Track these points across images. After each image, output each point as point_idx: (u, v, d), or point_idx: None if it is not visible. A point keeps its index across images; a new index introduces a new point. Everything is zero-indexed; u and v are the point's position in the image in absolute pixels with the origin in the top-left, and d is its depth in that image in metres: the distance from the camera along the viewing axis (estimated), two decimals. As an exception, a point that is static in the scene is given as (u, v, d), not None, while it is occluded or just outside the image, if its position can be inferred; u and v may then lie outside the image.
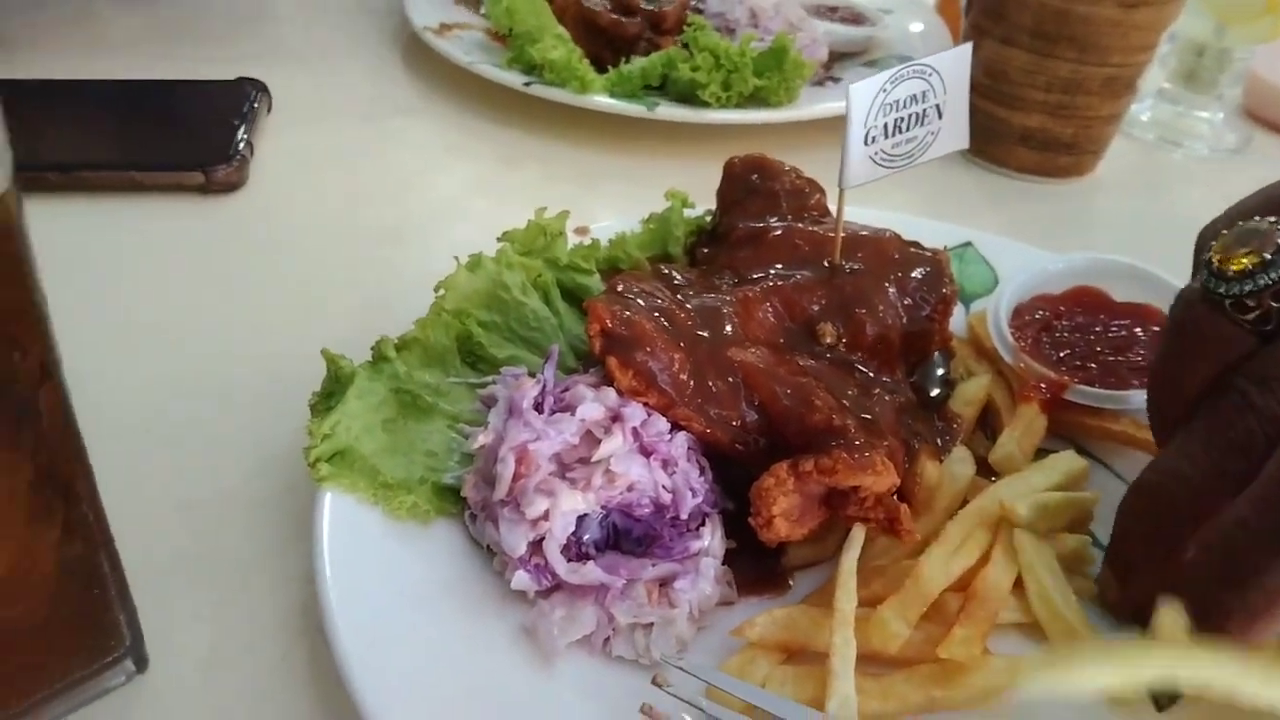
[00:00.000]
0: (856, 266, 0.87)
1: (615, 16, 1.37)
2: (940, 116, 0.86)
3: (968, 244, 1.05)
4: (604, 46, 1.34)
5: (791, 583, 0.76)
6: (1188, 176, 1.40)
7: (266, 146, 1.22)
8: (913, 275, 0.88)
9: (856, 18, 1.57)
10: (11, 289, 0.51)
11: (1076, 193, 1.31)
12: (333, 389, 0.76)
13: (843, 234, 0.90)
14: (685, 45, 1.26)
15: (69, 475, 0.57)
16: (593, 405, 0.73)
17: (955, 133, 0.88)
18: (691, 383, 0.76)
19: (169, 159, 1.12)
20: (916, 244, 0.92)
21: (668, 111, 1.25)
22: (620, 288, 0.81)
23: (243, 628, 0.71)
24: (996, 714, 0.67)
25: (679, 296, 0.82)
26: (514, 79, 1.28)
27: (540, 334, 0.87)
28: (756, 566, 0.76)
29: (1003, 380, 0.92)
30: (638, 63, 1.27)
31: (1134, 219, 1.30)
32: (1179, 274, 1.12)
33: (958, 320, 0.97)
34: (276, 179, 1.17)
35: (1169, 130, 1.44)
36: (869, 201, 1.06)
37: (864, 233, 0.91)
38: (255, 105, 1.22)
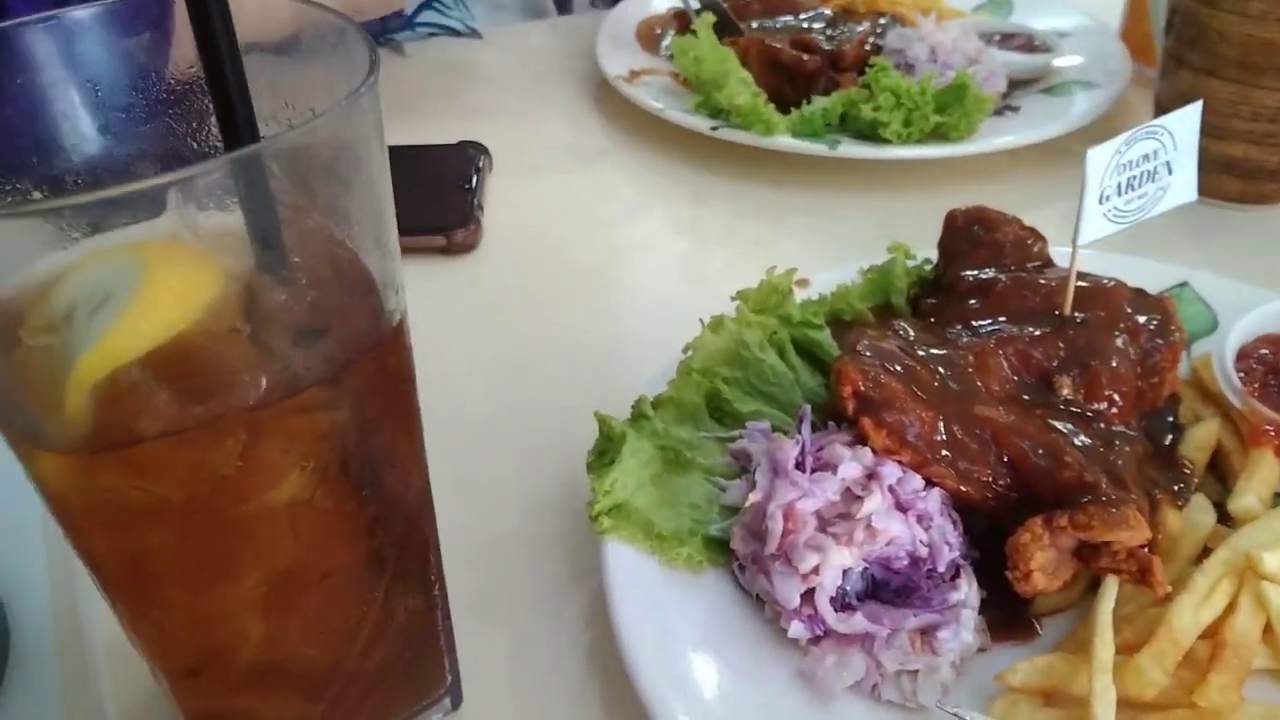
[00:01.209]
0: (1087, 317, 0.91)
1: (796, 54, 1.42)
2: (1170, 173, 0.89)
3: (1184, 284, 1.07)
4: (785, 84, 1.40)
5: (1040, 629, 0.80)
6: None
7: (491, 205, 1.32)
8: (1143, 324, 0.91)
9: (1032, 44, 1.58)
10: (398, 388, 0.60)
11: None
12: (605, 447, 0.84)
13: (1078, 283, 0.94)
14: (866, 85, 1.31)
15: (425, 541, 0.66)
16: (851, 464, 0.78)
17: (1184, 186, 0.90)
18: (942, 440, 0.81)
19: (413, 223, 1.22)
20: (1143, 291, 0.95)
21: (849, 150, 1.30)
22: (860, 347, 0.86)
23: (538, 667, 0.79)
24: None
25: (918, 352, 0.87)
26: (702, 123, 1.35)
27: (779, 388, 0.93)
28: (1006, 613, 0.80)
29: (1230, 424, 0.93)
30: (819, 103, 1.33)
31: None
32: None
33: (1180, 363, 1.00)
34: (505, 237, 1.27)
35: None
36: (1050, 233, 1.09)
37: (1093, 282, 0.94)
38: (481, 168, 1.32)
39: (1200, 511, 0.84)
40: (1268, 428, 0.89)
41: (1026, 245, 0.99)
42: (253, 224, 0.55)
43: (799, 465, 0.79)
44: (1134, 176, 0.87)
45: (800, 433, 0.81)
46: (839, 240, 1.26)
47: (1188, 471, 0.89)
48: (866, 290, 1.03)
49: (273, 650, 0.63)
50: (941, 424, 0.81)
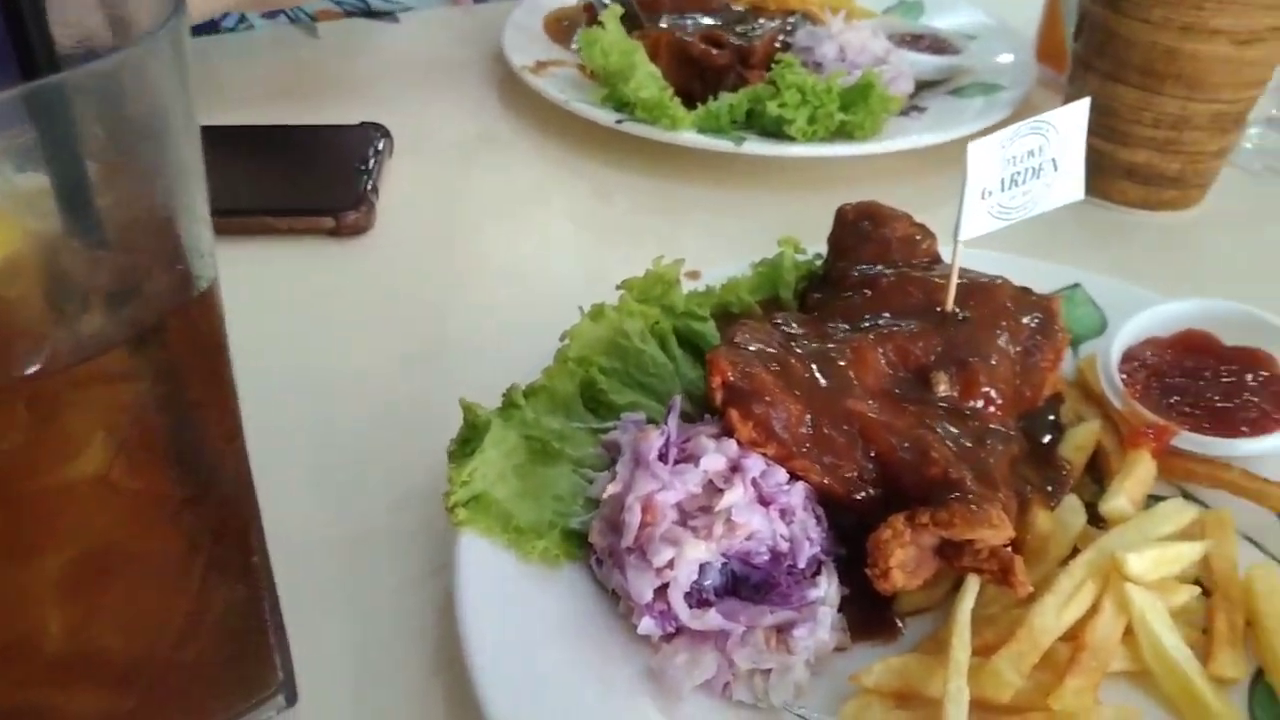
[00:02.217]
0: (969, 314, 0.89)
1: (706, 48, 1.40)
2: (1056, 169, 0.88)
3: (1076, 285, 1.06)
4: (694, 79, 1.38)
5: (903, 628, 0.78)
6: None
7: (389, 188, 1.28)
8: (1025, 323, 0.90)
9: (941, 46, 1.58)
10: (208, 360, 0.56)
11: (1182, 225, 1.31)
12: (469, 436, 0.81)
13: (961, 280, 0.93)
14: (773, 82, 1.29)
15: (245, 527, 0.63)
16: (715, 456, 0.76)
17: (1070, 184, 0.89)
18: (809, 434, 0.79)
19: (301, 204, 1.18)
20: (1028, 290, 0.94)
21: (754, 147, 1.28)
22: (738, 339, 0.84)
23: (385, 661, 0.76)
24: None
25: (795, 346, 0.85)
26: (607, 116, 1.33)
27: (658, 380, 0.91)
28: (868, 612, 0.78)
29: (1111, 425, 0.93)
30: (725, 100, 1.31)
31: (1242, 252, 1.29)
32: None
33: (1065, 363, 0.99)
34: (399, 222, 1.23)
35: (1277, 159, 1.42)
36: (974, 242, 1.08)
37: (976, 280, 0.93)
38: (379, 149, 1.28)
39: (1071, 512, 0.83)
40: (1146, 430, 0.89)
41: (915, 242, 0.98)
42: (51, 172, 0.51)
43: (662, 456, 0.77)
44: (1018, 172, 0.86)
45: (666, 423, 0.79)
46: (741, 237, 1.24)
47: (1064, 472, 0.88)
48: (756, 284, 1.02)
49: (75, 640, 0.59)
50: (810, 417, 0.79)
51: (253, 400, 0.96)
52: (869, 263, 0.96)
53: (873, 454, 0.79)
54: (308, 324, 1.09)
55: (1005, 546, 0.74)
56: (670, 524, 0.73)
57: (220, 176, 1.25)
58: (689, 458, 0.77)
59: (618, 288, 0.95)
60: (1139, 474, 0.85)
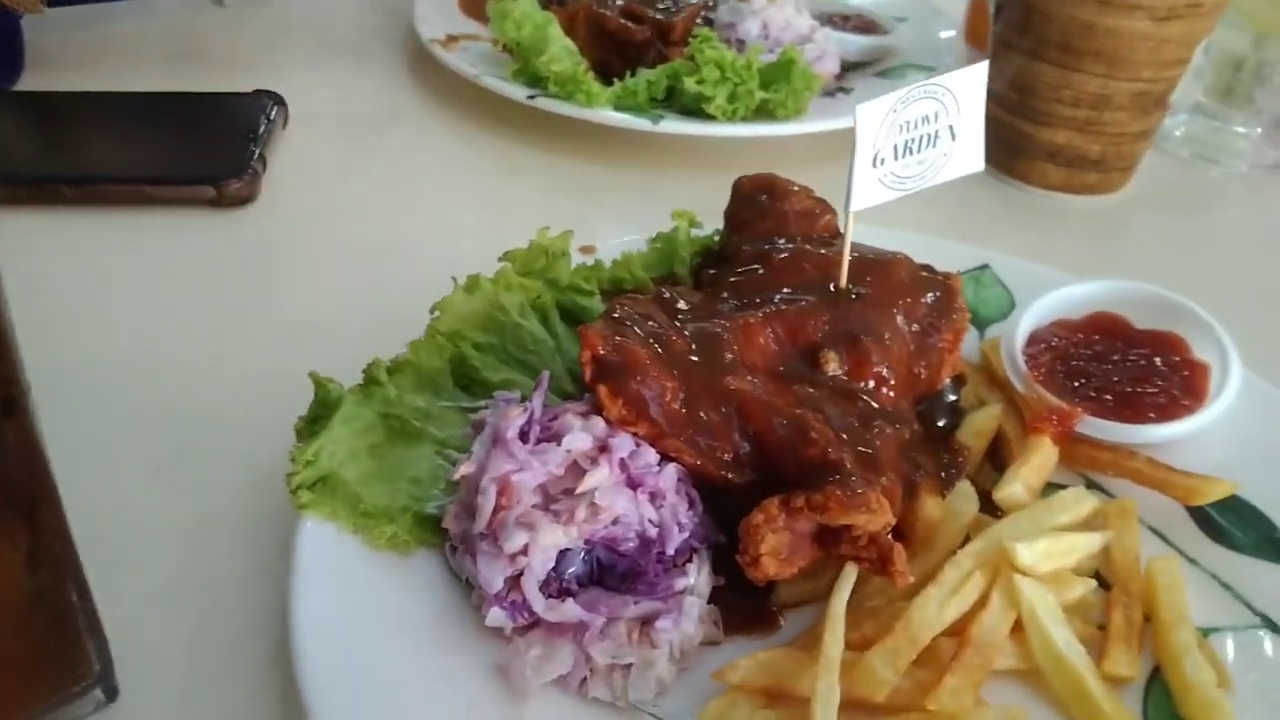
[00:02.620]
0: (864, 291, 0.85)
1: (623, 22, 1.35)
2: (954, 138, 0.83)
3: (985, 266, 1.02)
4: (612, 54, 1.32)
5: (783, 622, 0.73)
6: (1224, 194, 1.35)
7: (281, 160, 1.22)
8: (922, 301, 0.86)
9: (869, 26, 1.54)
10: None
11: (1106, 210, 1.27)
12: (320, 413, 0.75)
13: (852, 256, 0.88)
14: (691, 57, 1.24)
15: (34, 506, 0.57)
16: (580, 435, 0.71)
17: (969, 155, 0.85)
18: (684, 413, 0.74)
19: (181, 172, 1.12)
20: (929, 268, 0.90)
21: (672, 125, 1.23)
22: (617, 313, 0.79)
23: (219, 657, 0.70)
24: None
25: (678, 321, 0.80)
26: (518, 92, 1.27)
27: (537, 357, 0.85)
28: (746, 604, 0.73)
29: (1014, 410, 0.88)
30: (643, 75, 1.26)
31: (1167, 238, 1.26)
32: (1213, 297, 1.08)
33: (971, 346, 0.95)
34: (287, 194, 1.17)
35: (1204, 146, 1.39)
36: (885, 221, 1.03)
37: (874, 256, 0.88)
38: (271, 118, 1.22)
39: (963, 499, 0.78)
40: (1049, 415, 0.84)
41: (814, 216, 0.93)
42: None
43: (524, 435, 0.71)
44: (913, 140, 0.81)
45: (531, 401, 0.73)
46: (656, 220, 1.18)
47: (961, 458, 0.84)
48: (652, 259, 0.96)
49: None
50: (685, 395, 0.74)
51: (98, 381, 0.91)
52: (765, 237, 0.91)
53: (751, 434, 0.74)
54: (175, 299, 1.02)
55: (886, 533, 0.69)
56: (527, 507, 0.68)
57: (102, 144, 1.20)
58: (554, 437, 0.71)
59: (499, 259, 0.89)
60: (1037, 460, 0.81)
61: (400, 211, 1.19)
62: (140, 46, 1.45)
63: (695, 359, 0.76)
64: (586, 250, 0.98)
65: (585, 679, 0.66)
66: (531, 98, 1.25)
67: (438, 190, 1.24)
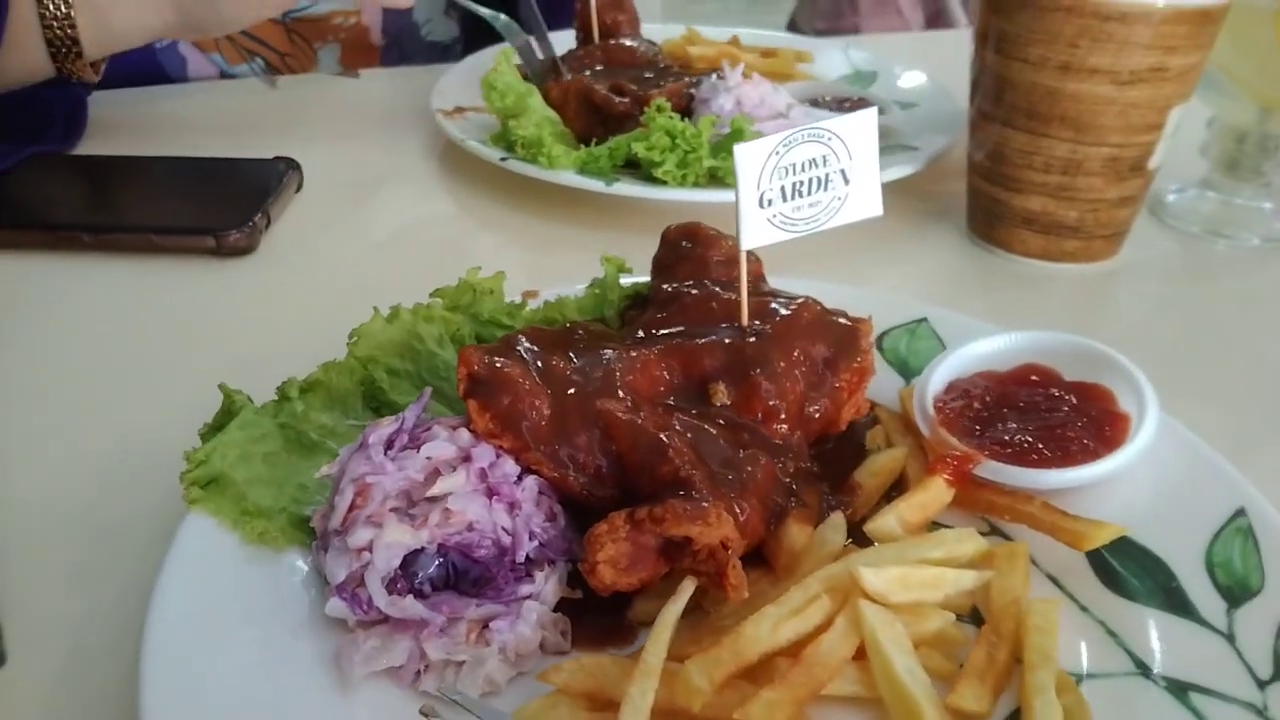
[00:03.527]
0: (764, 330, 0.87)
1: (607, 94, 1.42)
2: (847, 182, 0.85)
3: (923, 319, 1.02)
4: (598, 125, 1.39)
5: (638, 638, 0.74)
6: (1225, 267, 1.32)
7: (288, 218, 1.32)
8: (822, 342, 0.87)
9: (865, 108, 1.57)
10: None
11: (1092, 279, 1.26)
12: (223, 421, 0.81)
13: (762, 299, 0.90)
14: (644, 125, 1.29)
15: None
16: (443, 445, 0.75)
17: (866, 199, 0.87)
18: (551, 430, 0.77)
19: (188, 224, 1.22)
20: (841, 313, 0.91)
21: (624, 188, 1.28)
22: (510, 339, 0.83)
23: (104, 639, 0.75)
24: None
25: (573, 353, 0.84)
26: (493, 154, 1.35)
27: (449, 384, 0.90)
28: (602, 620, 0.75)
29: (921, 454, 0.88)
30: (610, 142, 1.32)
31: (1155, 308, 1.24)
32: (1212, 367, 1.06)
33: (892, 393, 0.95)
34: (288, 248, 1.26)
35: (1212, 221, 1.36)
36: (851, 279, 1.05)
37: (782, 299, 0.90)
38: (284, 180, 1.32)
39: (832, 530, 0.78)
40: (948, 457, 0.84)
41: (735, 263, 0.95)
42: None
43: (391, 443, 0.75)
44: (801, 182, 0.84)
45: (406, 411, 0.77)
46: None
47: (851, 496, 0.84)
48: (587, 303, 1.00)
49: None
50: (555, 414, 0.77)
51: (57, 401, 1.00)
52: (683, 280, 0.94)
53: (614, 453, 0.77)
54: (168, 336, 1.11)
55: (726, 549, 0.70)
56: (377, 507, 0.71)
57: (121, 201, 1.32)
58: (420, 446, 0.75)
59: (430, 295, 0.95)
60: (921, 498, 0.81)
61: (387, 263, 1.27)
62: (189, 120, 1.60)
63: (574, 383, 0.80)
64: (529, 295, 1.03)
65: (419, 673, 0.69)
66: (503, 159, 1.33)
67: (412, 243, 1.33)
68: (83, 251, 1.21)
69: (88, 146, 1.48)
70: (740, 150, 0.80)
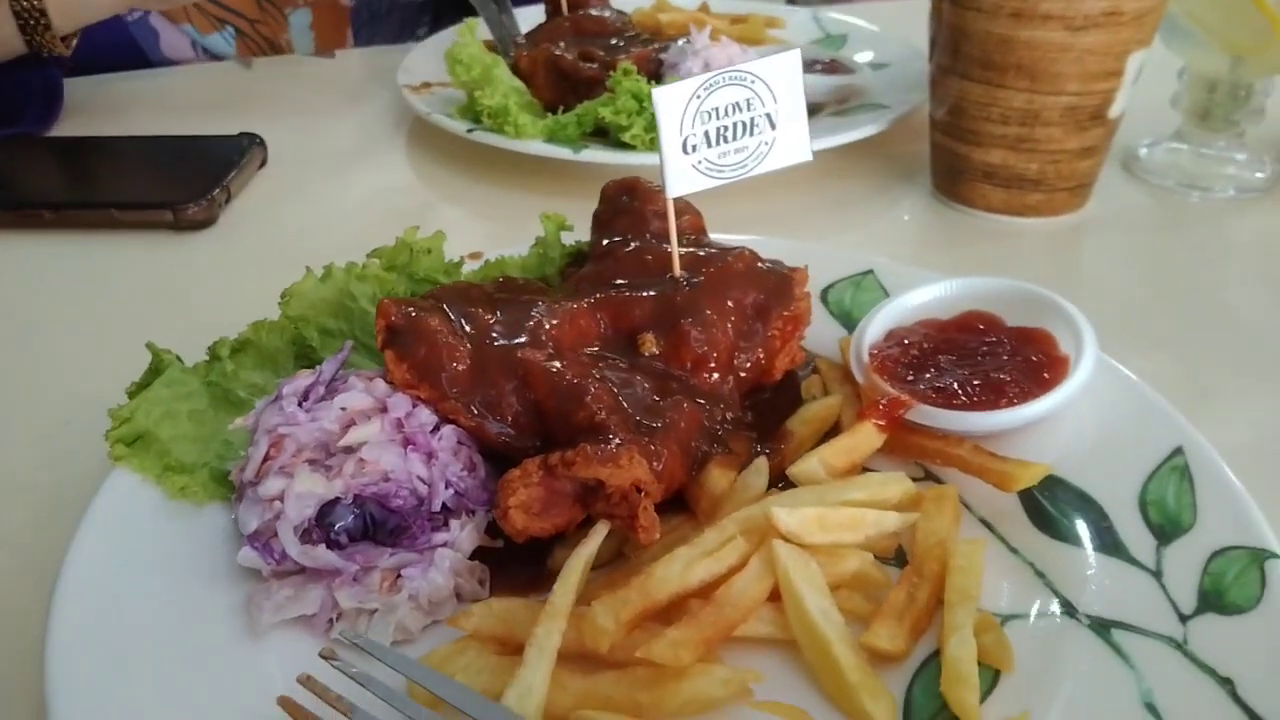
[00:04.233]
0: (696, 280, 0.86)
1: (574, 60, 1.41)
2: (773, 126, 0.84)
3: (869, 271, 1.01)
4: (569, 93, 1.38)
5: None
6: (1201, 220, 1.29)
7: (251, 192, 1.32)
8: (755, 291, 0.86)
9: (836, 69, 1.55)
10: None
11: (1058, 233, 1.24)
12: (150, 380, 0.81)
13: (694, 251, 0.90)
14: (611, 89, 1.28)
15: None
16: (358, 395, 0.74)
17: (794, 144, 0.86)
18: (469, 379, 0.76)
19: (148, 199, 1.23)
20: (777, 263, 0.90)
21: (592, 155, 1.27)
22: (435, 291, 0.83)
23: (26, 589, 0.76)
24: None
25: (496, 307, 0.83)
26: (458, 126, 1.34)
27: (382, 342, 0.90)
28: (525, 570, 0.75)
29: (856, 401, 0.87)
30: (576, 110, 1.31)
31: (1122, 261, 1.21)
32: (1175, 318, 1.04)
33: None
34: (246, 220, 1.27)
35: (1184, 174, 1.34)
36: (810, 238, 1.04)
37: (715, 250, 0.90)
38: (246, 155, 1.32)
39: (754, 474, 0.77)
40: (879, 402, 0.83)
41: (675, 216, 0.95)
42: None
43: (307, 395, 0.75)
44: (725, 127, 0.83)
45: (322, 365, 0.77)
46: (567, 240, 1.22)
47: (781, 444, 0.83)
48: (530, 262, 1.00)
49: None
50: (474, 364, 0.77)
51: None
52: (621, 234, 0.94)
53: (532, 402, 0.76)
54: (123, 308, 1.12)
55: (637, 491, 0.69)
56: (290, 458, 0.71)
57: (86, 179, 1.33)
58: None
59: (368, 255, 0.95)
60: (847, 442, 0.80)
61: (349, 237, 1.26)
62: (162, 101, 1.60)
63: (497, 334, 0.79)
64: (474, 256, 1.02)
65: (332, 622, 0.69)
66: (470, 131, 1.32)
67: (372, 215, 1.32)
68: (44, 229, 1.22)
69: (63, 129, 1.48)
70: (659, 94, 0.80)
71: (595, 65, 1.38)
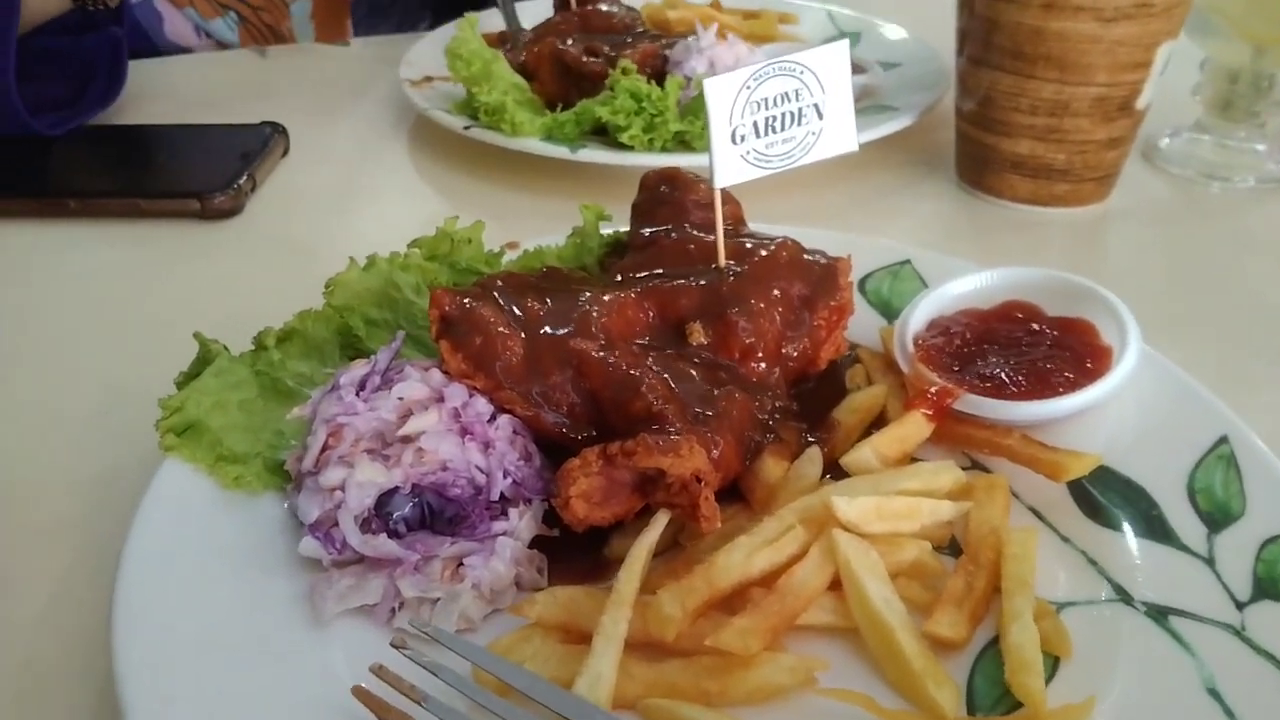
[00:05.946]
0: (741, 271, 0.86)
1: (578, 54, 1.39)
2: (821, 117, 0.85)
3: (906, 261, 1.02)
4: (573, 89, 1.37)
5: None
6: (1222, 210, 1.30)
7: (275, 181, 1.32)
8: (800, 281, 0.86)
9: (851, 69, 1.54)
10: None
11: (1084, 223, 1.24)
12: (199, 369, 0.81)
13: (739, 241, 0.90)
14: (611, 88, 1.27)
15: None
16: (415, 385, 0.74)
17: (840, 134, 0.86)
18: (524, 370, 0.76)
19: (174, 188, 1.22)
20: (820, 253, 0.90)
21: (590, 154, 1.26)
22: (485, 283, 0.83)
23: (86, 578, 0.75)
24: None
25: (546, 296, 0.83)
26: (456, 122, 1.33)
27: (427, 332, 0.89)
28: (582, 556, 0.75)
29: (901, 391, 0.87)
30: (573, 109, 1.30)
31: (1147, 251, 1.22)
32: (1201, 307, 1.05)
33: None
34: (272, 209, 1.26)
35: (1205, 164, 1.34)
36: (831, 227, 1.04)
37: (759, 240, 0.90)
38: (269, 144, 1.32)
39: (808, 463, 0.78)
40: (927, 392, 0.83)
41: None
42: None
43: (364, 385, 0.75)
44: (774, 117, 0.83)
45: (378, 354, 0.77)
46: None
47: (829, 433, 0.83)
48: (567, 251, 1.00)
49: None
50: (528, 354, 0.77)
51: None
52: (662, 225, 0.94)
53: (587, 392, 0.76)
54: (153, 297, 1.11)
55: (698, 481, 0.70)
56: (350, 447, 0.71)
57: (113, 168, 1.32)
58: (391, 387, 0.75)
59: (409, 245, 0.95)
60: (899, 432, 0.80)
61: (373, 224, 1.27)
62: (180, 90, 1.59)
63: (548, 323, 0.79)
64: (510, 246, 1.02)
65: (394, 611, 0.69)
66: (467, 128, 1.31)
67: (381, 209, 1.32)
68: (69, 218, 1.21)
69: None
70: (710, 84, 0.80)
71: (600, 60, 1.37)
